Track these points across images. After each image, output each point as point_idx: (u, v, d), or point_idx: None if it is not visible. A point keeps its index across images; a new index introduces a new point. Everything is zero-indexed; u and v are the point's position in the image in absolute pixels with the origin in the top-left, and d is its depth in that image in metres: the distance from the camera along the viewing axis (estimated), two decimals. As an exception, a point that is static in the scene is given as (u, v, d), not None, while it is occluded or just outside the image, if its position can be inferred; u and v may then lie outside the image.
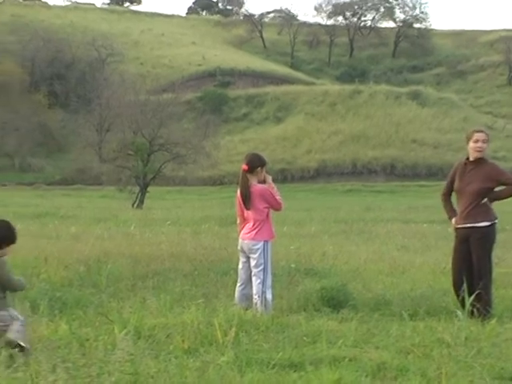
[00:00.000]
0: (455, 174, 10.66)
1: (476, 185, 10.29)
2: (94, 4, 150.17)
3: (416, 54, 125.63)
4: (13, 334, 7.85)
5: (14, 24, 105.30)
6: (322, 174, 78.77)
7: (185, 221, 28.74)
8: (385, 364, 7.46)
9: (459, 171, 10.60)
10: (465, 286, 10.29)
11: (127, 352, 7.26)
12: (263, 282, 10.68)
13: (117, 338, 7.82)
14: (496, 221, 10.61)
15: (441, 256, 15.10)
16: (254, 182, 10.77)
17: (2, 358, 7.07)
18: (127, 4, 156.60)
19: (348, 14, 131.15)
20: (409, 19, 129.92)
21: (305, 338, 8.65)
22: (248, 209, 10.69)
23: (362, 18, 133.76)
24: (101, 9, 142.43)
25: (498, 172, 10.45)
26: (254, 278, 10.70)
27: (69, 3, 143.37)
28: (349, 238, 23.29)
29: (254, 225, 10.71)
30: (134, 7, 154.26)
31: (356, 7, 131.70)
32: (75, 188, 71.61)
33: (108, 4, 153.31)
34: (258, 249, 10.65)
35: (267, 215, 10.80)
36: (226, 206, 36.41)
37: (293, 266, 13.47)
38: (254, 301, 10.48)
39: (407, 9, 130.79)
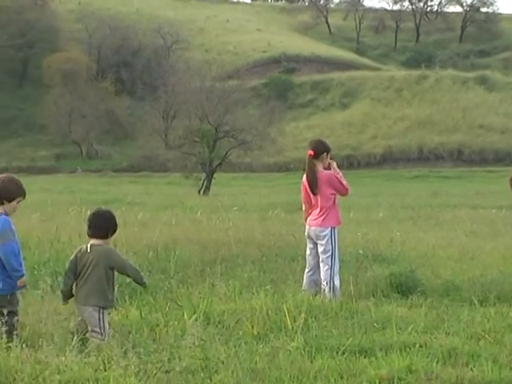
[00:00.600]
0: None
1: None
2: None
3: (483, 38, 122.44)
4: (97, 335, 8.15)
5: (80, 12, 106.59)
6: (388, 160, 78.22)
7: (251, 207, 28.78)
8: (455, 350, 7.39)
9: None
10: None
11: (197, 337, 7.29)
12: (331, 268, 10.67)
13: (186, 324, 7.89)
14: None
15: (511, 241, 14.93)
16: (320, 168, 10.76)
17: (74, 343, 7.18)
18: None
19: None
20: (476, 3, 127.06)
21: (374, 324, 8.66)
22: (315, 194, 10.64)
23: (429, 3, 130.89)
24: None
25: None
26: (321, 265, 10.70)
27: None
28: (416, 224, 23.11)
29: (321, 211, 10.68)
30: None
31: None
32: (142, 175, 72.06)
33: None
34: (326, 235, 10.64)
35: (334, 201, 10.78)
36: (292, 193, 36.32)
37: (361, 252, 13.35)
38: (323, 287, 10.47)
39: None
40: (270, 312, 8.88)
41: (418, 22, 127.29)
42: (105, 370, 6.48)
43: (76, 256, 8.27)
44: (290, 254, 13.83)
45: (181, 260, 13.26)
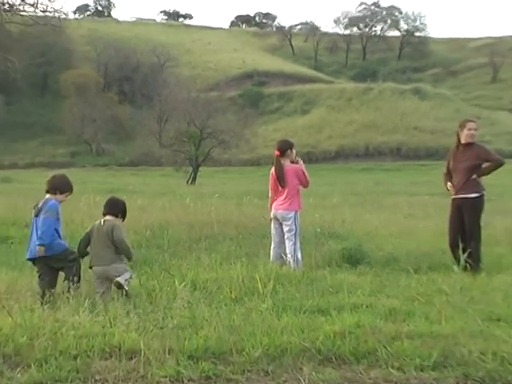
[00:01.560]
0: (450, 156, 10.74)
1: (467, 163, 10.30)
2: (154, 20, 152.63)
3: (417, 57, 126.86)
4: (123, 280, 8.25)
5: (90, 36, 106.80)
6: (341, 155, 78.40)
7: (229, 194, 28.53)
8: (395, 309, 7.37)
9: (453, 153, 10.66)
10: (460, 245, 10.33)
11: (186, 300, 7.33)
12: (295, 244, 10.70)
13: (177, 289, 7.88)
14: (484, 192, 10.59)
15: (440, 222, 14.91)
16: (287, 162, 10.80)
17: (86, 305, 7.15)
18: (181, 19, 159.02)
19: (361, 25, 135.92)
20: (411, 29, 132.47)
21: (330, 289, 8.58)
22: (283, 187, 10.70)
23: (373, 29, 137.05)
24: (160, 23, 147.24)
25: (485, 152, 10.50)
26: (287, 241, 10.69)
27: (134, 19, 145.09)
28: (364, 208, 23.08)
29: (286, 197, 10.72)
30: (187, 21, 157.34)
31: (367, 20, 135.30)
32: (140, 169, 71.83)
33: (166, 19, 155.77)
34: (291, 217, 10.69)
35: (298, 190, 10.84)
36: (263, 183, 35.86)
37: (318, 230, 13.31)
38: (288, 259, 10.41)
39: (409, 20, 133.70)
40: (244, 280, 8.79)
41: (364, 44, 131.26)
42: (111, 327, 6.45)
43: (91, 229, 8.60)
44: (261, 233, 13.73)
45: (172, 237, 13.26)
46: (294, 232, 10.73)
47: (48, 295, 7.66)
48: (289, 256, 10.54)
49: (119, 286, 8.21)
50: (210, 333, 6.47)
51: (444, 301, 7.92)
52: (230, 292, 8.36)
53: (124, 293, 8.16)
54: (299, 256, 10.75)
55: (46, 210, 8.38)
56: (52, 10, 31.27)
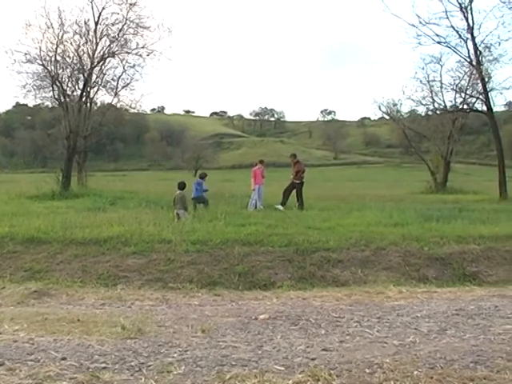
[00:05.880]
0: None
1: None
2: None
3: None
4: (182, 215, 17.71)
5: None
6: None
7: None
8: (271, 224, 16.20)
9: None
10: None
11: (191, 222, 16.59)
12: (254, 199, 21.68)
13: (187, 219, 17.46)
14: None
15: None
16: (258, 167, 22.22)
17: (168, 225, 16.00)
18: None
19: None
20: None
21: (248, 218, 17.73)
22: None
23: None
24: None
25: None
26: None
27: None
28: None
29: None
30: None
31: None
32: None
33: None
34: (254, 188, 21.51)
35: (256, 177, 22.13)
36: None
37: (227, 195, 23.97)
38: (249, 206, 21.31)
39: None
40: (218, 213, 17.70)
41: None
42: (162, 231, 15.26)
43: (175, 196, 18.57)
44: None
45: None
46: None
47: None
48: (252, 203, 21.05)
49: (179, 217, 17.55)
50: (200, 233, 14.31)
51: (287, 220, 16.82)
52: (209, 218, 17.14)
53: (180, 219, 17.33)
54: (256, 204, 21.21)
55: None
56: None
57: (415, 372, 6.06)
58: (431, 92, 43.97)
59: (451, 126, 46.44)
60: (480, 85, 35.44)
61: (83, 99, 34.52)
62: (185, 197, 18.56)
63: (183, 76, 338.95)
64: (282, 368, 6.32)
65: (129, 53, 34.52)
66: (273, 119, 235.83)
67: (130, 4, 33.65)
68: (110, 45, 34.23)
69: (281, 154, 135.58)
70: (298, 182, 23.12)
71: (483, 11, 33.54)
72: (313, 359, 6.62)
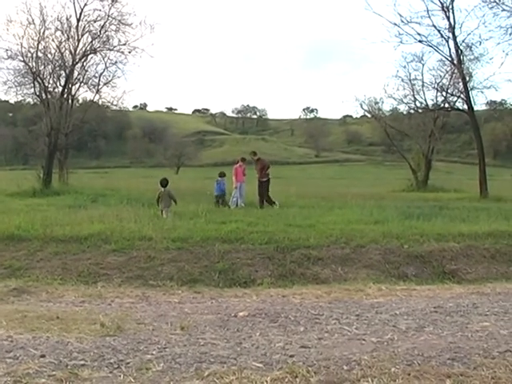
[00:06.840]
0: None
1: None
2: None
3: None
4: (165, 214, 17.79)
5: None
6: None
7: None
8: (252, 222, 16.31)
9: None
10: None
11: (172, 220, 16.65)
12: (236, 197, 21.36)
13: (169, 217, 17.46)
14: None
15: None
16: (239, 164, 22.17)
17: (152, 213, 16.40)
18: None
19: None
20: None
21: (229, 215, 17.82)
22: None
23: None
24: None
25: None
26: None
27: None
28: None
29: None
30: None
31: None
32: None
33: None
34: (236, 186, 21.46)
35: (237, 175, 22.08)
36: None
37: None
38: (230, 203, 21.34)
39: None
40: (197, 211, 18.01)
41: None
42: (143, 228, 15.49)
43: (159, 193, 18.44)
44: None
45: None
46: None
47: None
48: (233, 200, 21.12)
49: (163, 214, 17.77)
50: (181, 230, 14.53)
51: (268, 218, 17.07)
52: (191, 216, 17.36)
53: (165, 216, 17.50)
54: (237, 202, 21.27)
55: None
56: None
57: (393, 369, 6.13)
58: (413, 90, 44.37)
59: (433, 124, 46.83)
60: (461, 84, 35.79)
61: (65, 96, 34.58)
62: (171, 193, 18.54)
63: (166, 73, 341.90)
64: (261, 365, 6.36)
65: (111, 49, 34.62)
66: (255, 117, 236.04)
67: (112, 1, 33.68)
68: (91, 41, 34.32)
69: (263, 152, 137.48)
70: (264, 180, 23.06)
71: (464, 10, 33.91)
72: (291, 356, 6.66)
